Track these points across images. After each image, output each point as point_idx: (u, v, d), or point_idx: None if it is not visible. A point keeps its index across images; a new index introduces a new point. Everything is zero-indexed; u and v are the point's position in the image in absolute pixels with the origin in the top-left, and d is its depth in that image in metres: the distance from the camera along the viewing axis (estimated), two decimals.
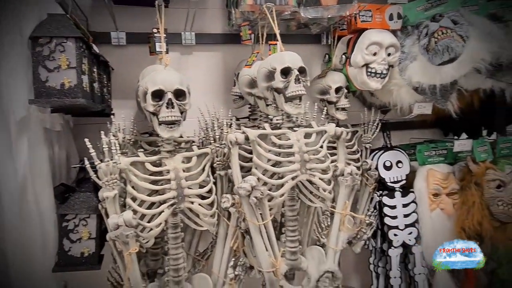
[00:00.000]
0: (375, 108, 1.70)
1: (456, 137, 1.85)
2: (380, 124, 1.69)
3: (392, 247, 1.63)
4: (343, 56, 1.56)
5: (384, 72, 1.47)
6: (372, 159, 1.67)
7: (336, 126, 1.33)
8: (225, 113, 1.38)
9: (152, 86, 1.06)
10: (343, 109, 1.60)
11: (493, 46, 1.27)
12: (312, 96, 1.65)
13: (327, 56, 1.70)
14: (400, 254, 1.65)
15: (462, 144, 1.57)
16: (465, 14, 1.36)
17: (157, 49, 1.15)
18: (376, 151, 1.69)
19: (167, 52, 1.17)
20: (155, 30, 1.16)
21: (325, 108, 1.54)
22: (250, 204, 1.11)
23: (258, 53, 1.39)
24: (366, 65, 1.47)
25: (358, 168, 1.64)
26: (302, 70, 1.18)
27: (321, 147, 1.25)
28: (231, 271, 1.21)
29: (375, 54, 1.45)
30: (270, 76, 1.17)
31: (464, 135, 1.81)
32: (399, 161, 1.66)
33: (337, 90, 1.57)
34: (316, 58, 1.74)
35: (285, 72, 1.16)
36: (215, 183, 1.24)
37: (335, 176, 1.28)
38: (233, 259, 1.23)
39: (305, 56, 1.70)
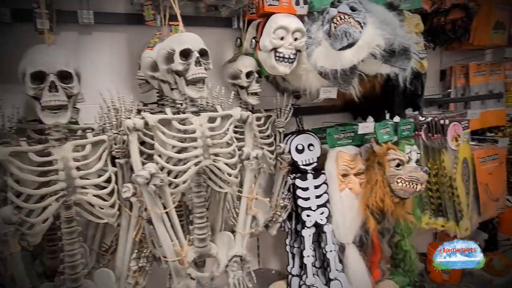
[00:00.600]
0: (287, 93, 1.73)
1: (363, 121, 1.96)
2: (292, 109, 1.73)
3: (306, 228, 1.69)
4: (253, 40, 1.55)
5: (292, 56, 1.49)
6: (286, 143, 1.70)
7: (250, 111, 1.36)
8: (135, 99, 1.31)
9: (31, 68, 0.96)
10: (255, 93, 1.59)
11: (387, 32, 1.34)
12: (224, 80, 1.62)
13: (238, 40, 1.68)
14: (313, 234, 1.72)
15: (365, 126, 1.67)
16: (363, 1, 1.42)
17: (38, 26, 1.03)
18: (289, 135, 1.73)
19: (51, 30, 1.06)
20: (34, 5, 1.04)
21: (233, 93, 1.51)
22: (150, 192, 1.07)
23: (160, 34, 1.32)
24: (274, 50, 1.48)
25: (272, 152, 1.68)
26: (203, 52, 1.15)
27: (227, 131, 1.24)
28: (134, 263, 1.16)
29: (282, 38, 1.46)
30: (169, 58, 1.14)
31: (370, 119, 1.92)
32: (310, 144, 1.71)
33: (248, 74, 1.56)
34: (228, 42, 1.71)
35: (185, 54, 1.13)
36: (117, 172, 1.18)
37: (241, 160, 1.27)
38: (136, 250, 1.18)
39: (216, 39, 1.70)
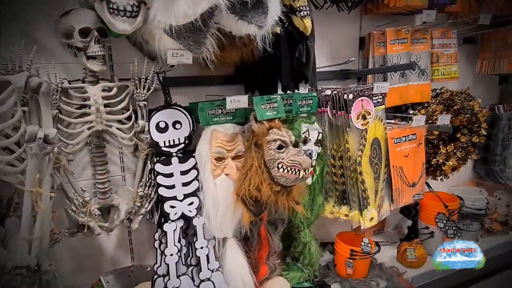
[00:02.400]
0: (148, 58, 1.41)
1: (251, 94, 1.67)
2: (157, 78, 1.42)
3: (169, 221, 1.42)
4: None
5: (129, 8, 1.17)
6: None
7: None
8: None
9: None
10: (96, 57, 1.27)
11: None
12: (59, 41, 1.29)
13: None
14: (181, 228, 1.45)
15: (235, 101, 1.36)
16: None
17: None
18: (154, 111, 1.42)
19: None
20: None
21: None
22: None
23: None
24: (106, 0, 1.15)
25: (128, 131, 1.38)
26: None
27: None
28: None
29: None
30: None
31: (256, 92, 1.63)
32: (176, 122, 1.42)
33: (83, 32, 1.23)
34: None
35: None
36: None
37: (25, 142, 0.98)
38: None
39: None
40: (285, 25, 1.38)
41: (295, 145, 1.61)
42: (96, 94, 1.30)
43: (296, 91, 1.60)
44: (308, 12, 1.32)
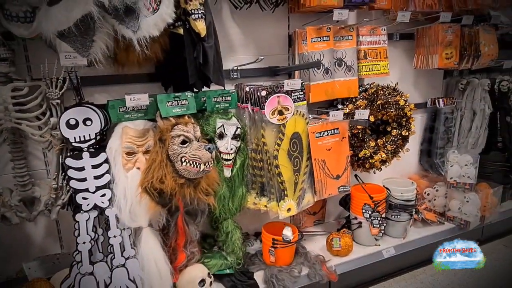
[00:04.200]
0: None
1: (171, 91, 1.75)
2: (68, 77, 1.51)
3: (82, 211, 1.52)
4: None
5: (22, 15, 1.26)
6: None
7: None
8: None
9: None
10: (2, 59, 1.37)
11: None
12: None
13: None
14: (95, 218, 1.55)
15: (136, 98, 1.45)
16: None
17: None
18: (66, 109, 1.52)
19: None
20: None
21: None
22: None
23: None
24: (1, 6, 1.24)
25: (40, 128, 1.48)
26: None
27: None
28: None
29: None
30: None
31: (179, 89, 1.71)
32: (87, 119, 1.50)
33: None
34: None
35: None
36: None
37: None
38: None
39: None
40: (187, 27, 1.46)
41: (210, 140, 1.72)
42: (4, 94, 1.39)
43: (208, 88, 1.68)
44: (201, 15, 1.39)
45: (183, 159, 1.48)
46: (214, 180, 1.62)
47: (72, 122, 1.48)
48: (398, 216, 2.18)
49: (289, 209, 1.83)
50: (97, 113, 1.52)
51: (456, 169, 2.36)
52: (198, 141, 1.54)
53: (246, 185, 1.86)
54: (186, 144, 1.50)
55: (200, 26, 1.39)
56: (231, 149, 1.75)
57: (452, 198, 2.42)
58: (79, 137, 1.50)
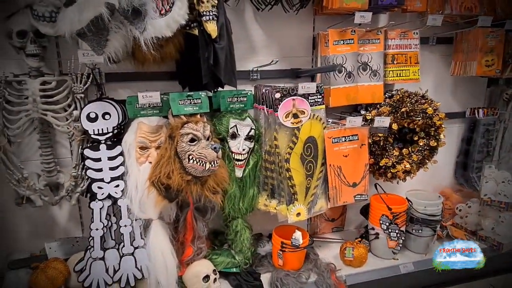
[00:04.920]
0: None
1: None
2: (92, 73, 1.62)
3: (96, 200, 1.62)
4: None
5: (47, 15, 1.37)
6: None
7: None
8: None
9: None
10: (33, 55, 1.50)
11: None
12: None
13: None
14: (109, 206, 1.65)
15: (148, 96, 1.52)
16: None
17: None
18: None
19: None
20: None
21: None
22: None
23: None
24: (30, 6, 1.36)
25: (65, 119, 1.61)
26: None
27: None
28: None
29: None
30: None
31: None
32: (106, 113, 1.60)
33: (20, 34, 1.46)
34: None
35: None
36: None
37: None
38: None
39: None
40: (201, 28, 1.50)
41: (223, 139, 1.75)
42: (34, 87, 1.52)
43: (222, 88, 1.71)
44: (213, 17, 1.42)
45: (190, 157, 1.52)
46: (222, 179, 1.65)
47: (92, 115, 1.58)
48: (420, 231, 2.06)
49: (298, 214, 1.81)
50: (115, 108, 1.62)
51: (492, 185, 2.18)
52: (208, 139, 1.58)
53: (258, 186, 1.87)
54: (195, 142, 1.53)
55: (211, 28, 1.42)
56: (243, 149, 1.76)
57: (485, 216, 2.24)
58: (98, 129, 1.60)
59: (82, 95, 1.62)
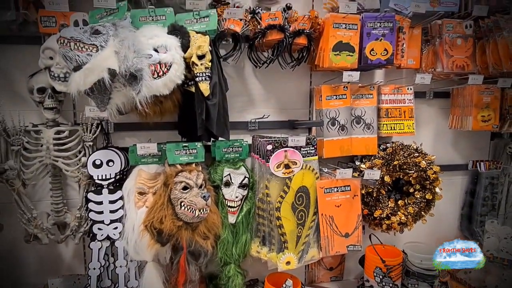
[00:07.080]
0: None
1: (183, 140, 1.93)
2: (100, 124, 1.80)
3: (96, 241, 1.74)
4: None
5: (62, 76, 1.57)
6: None
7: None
8: None
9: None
10: (50, 108, 1.69)
11: (118, 57, 1.36)
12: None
13: None
14: (107, 247, 1.76)
15: (146, 147, 1.67)
16: (120, 24, 1.45)
17: None
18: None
19: None
20: None
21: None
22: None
23: None
24: (48, 69, 1.57)
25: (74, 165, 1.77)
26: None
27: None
28: None
29: (51, 58, 1.55)
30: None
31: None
32: (110, 160, 1.76)
33: (40, 90, 1.67)
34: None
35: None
36: None
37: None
38: None
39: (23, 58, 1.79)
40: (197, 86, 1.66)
41: (216, 186, 1.85)
42: (49, 135, 1.71)
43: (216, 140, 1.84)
44: (206, 78, 1.57)
45: (182, 204, 1.63)
46: (214, 225, 1.73)
47: (98, 162, 1.74)
48: (416, 286, 2.02)
49: (288, 262, 1.84)
50: (119, 155, 1.77)
51: (494, 241, 2.13)
52: (200, 187, 1.68)
53: (251, 232, 1.93)
54: (187, 190, 1.65)
55: (203, 87, 1.57)
56: (237, 197, 1.85)
57: (489, 273, 2.17)
58: (102, 175, 1.75)
59: (91, 143, 1.79)
